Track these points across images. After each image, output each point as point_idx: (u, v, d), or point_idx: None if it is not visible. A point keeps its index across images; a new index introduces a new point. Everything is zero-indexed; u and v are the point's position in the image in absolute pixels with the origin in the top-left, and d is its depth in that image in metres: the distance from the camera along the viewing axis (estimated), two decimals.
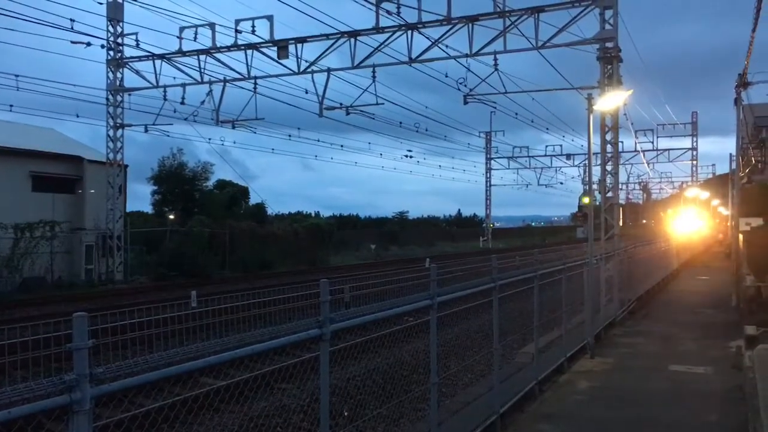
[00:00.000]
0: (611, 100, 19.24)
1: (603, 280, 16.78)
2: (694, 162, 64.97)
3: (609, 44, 22.51)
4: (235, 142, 53.48)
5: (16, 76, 27.78)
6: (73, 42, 27.15)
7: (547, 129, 45.79)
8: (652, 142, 58.96)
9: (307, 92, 28.32)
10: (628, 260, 20.19)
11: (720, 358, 12.87)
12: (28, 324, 15.74)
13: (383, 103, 27.36)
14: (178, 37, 28.48)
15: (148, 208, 51.13)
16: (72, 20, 25.18)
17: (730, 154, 32.08)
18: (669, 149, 61.81)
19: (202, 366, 3.95)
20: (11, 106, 29.38)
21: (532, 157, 65.96)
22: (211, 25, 28.09)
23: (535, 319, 10.68)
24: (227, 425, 9.22)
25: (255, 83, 28.67)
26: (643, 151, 59.10)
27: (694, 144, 63.55)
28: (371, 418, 7.85)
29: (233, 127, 30.76)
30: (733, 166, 28.93)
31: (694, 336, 15.56)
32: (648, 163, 62.70)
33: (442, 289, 7.10)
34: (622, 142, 39.19)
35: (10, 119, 33.29)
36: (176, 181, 49.15)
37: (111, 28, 31.85)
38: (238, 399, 10.09)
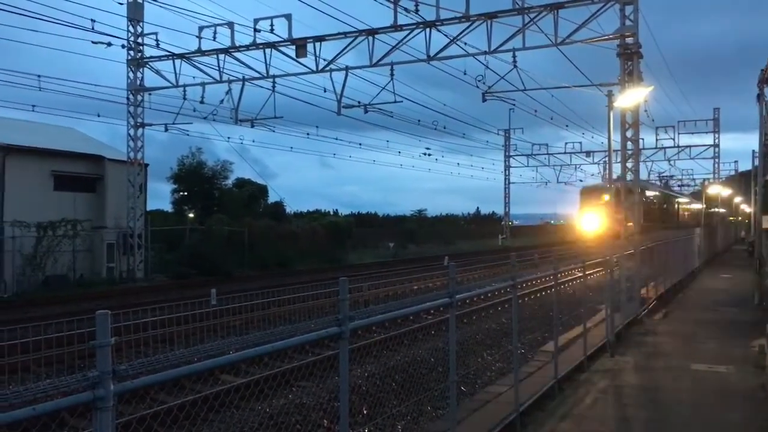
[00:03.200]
0: (631, 97, 19.11)
1: (623, 278, 16.65)
2: (716, 159, 64.25)
3: (629, 40, 22.30)
4: (254, 141, 53.50)
5: (39, 76, 28.18)
6: (94, 42, 27.50)
7: (567, 126, 45.49)
8: (673, 139, 58.44)
9: (325, 90, 28.39)
10: (648, 258, 20.01)
11: (742, 357, 12.72)
12: (51, 321, 15.94)
13: (401, 101, 27.35)
14: (197, 36, 28.67)
15: (168, 207, 51.50)
16: (93, 21, 25.49)
17: (753, 151, 31.69)
18: (690, 146, 60.94)
19: (223, 363, 3.98)
20: (33, 106, 29.82)
21: (552, 154, 65.70)
22: (230, 25, 28.24)
23: (555, 317, 10.63)
24: (247, 422, 9.27)
25: (274, 82, 28.78)
26: (664, 148, 58.60)
27: (716, 140, 62.83)
28: (390, 416, 7.87)
29: (252, 126, 30.93)
30: (756, 162, 28.59)
31: (716, 335, 15.38)
32: (669, 160, 62.13)
33: (461, 287, 7.08)
34: (642, 138, 38.83)
35: (32, 119, 33.76)
36: (196, 180, 49.46)
37: (131, 28, 32.12)
38: (258, 396, 10.14)
